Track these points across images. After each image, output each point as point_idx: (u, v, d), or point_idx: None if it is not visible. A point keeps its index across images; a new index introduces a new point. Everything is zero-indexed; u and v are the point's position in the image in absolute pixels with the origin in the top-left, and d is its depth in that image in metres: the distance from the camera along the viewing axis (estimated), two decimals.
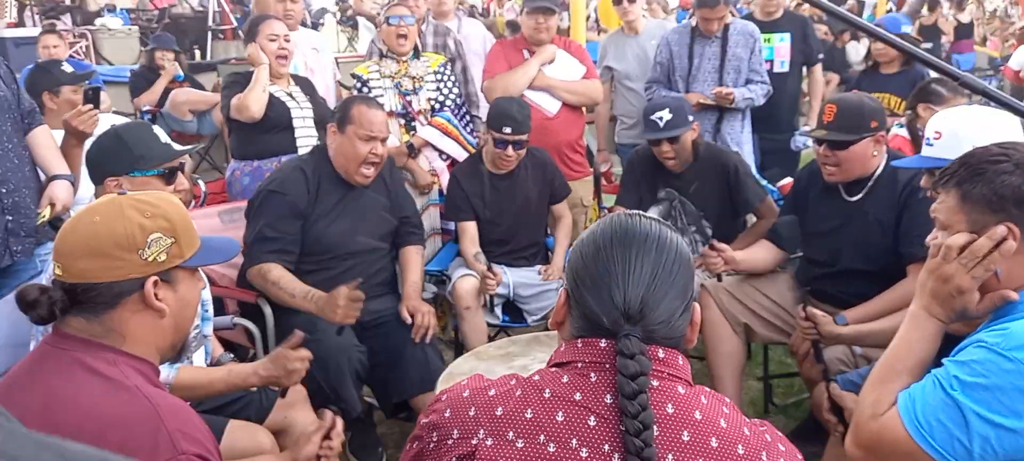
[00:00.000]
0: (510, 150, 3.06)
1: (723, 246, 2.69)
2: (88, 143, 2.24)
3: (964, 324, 1.40)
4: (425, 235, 3.45)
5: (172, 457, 1.13)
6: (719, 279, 2.82)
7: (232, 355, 2.43)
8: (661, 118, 2.95)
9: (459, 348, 3.08)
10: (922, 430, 1.26)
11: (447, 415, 1.08)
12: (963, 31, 11.19)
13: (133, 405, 1.18)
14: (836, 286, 2.61)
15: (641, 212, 1.16)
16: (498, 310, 3.12)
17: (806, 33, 4.26)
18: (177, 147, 2.16)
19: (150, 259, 1.28)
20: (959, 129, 2.05)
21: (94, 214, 1.29)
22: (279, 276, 2.55)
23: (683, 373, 1.07)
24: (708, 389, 1.08)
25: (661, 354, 1.05)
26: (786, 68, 4.18)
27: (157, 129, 2.18)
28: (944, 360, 1.32)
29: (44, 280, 1.82)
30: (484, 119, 3.30)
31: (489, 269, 2.98)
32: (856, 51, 7.83)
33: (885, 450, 1.32)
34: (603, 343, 1.05)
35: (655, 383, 1.03)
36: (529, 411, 1.04)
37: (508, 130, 3.03)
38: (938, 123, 2.14)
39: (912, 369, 1.38)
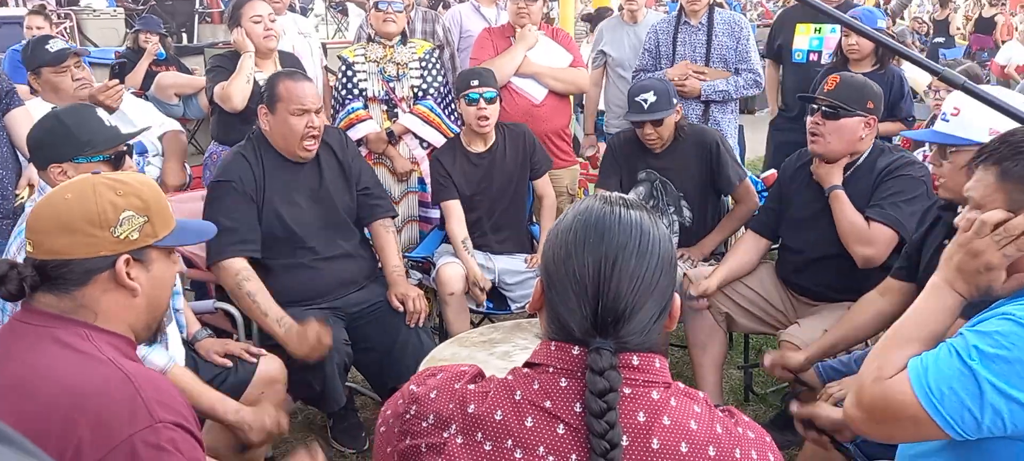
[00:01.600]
0: (483, 103, 3.06)
1: (702, 287, 2.71)
2: (28, 126, 2.16)
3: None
4: (402, 222, 3.45)
5: (149, 425, 1.13)
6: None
7: (210, 331, 2.42)
8: (646, 100, 2.95)
9: (443, 334, 3.09)
10: (932, 397, 1.22)
11: (433, 396, 1.06)
12: (982, 25, 11.30)
13: (108, 376, 1.18)
14: (811, 275, 2.64)
15: (623, 199, 1.06)
16: (484, 300, 3.12)
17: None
18: (123, 131, 2.10)
19: (122, 237, 1.28)
20: (980, 108, 2.04)
21: (66, 191, 1.29)
22: (255, 290, 2.47)
23: (659, 376, 1.02)
24: (681, 387, 1.04)
25: (635, 361, 1.01)
26: (832, 61, 3.95)
27: (101, 112, 2.11)
28: (963, 329, 1.29)
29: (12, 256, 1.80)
30: None
31: (479, 281, 3.01)
32: None
33: (888, 414, 1.28)
34: (576, 350, 1.01)
35: (627, 391, 0.99)
36: (499, 413, 1.01)
37: (475, 82, 3.05)
38: (958, 99, 2.09)
39: (924, 338, 1.34)
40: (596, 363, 0.97)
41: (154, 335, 1.41)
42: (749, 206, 3.10)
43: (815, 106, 2.52)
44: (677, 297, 1.07)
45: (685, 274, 2.83)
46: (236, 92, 3.17)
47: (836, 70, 3.67)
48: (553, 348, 1.03)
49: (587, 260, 0.99)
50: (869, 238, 2.42)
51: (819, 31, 4.02)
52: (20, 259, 1.38)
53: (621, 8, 4.46)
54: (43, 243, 1.25)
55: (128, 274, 1.28)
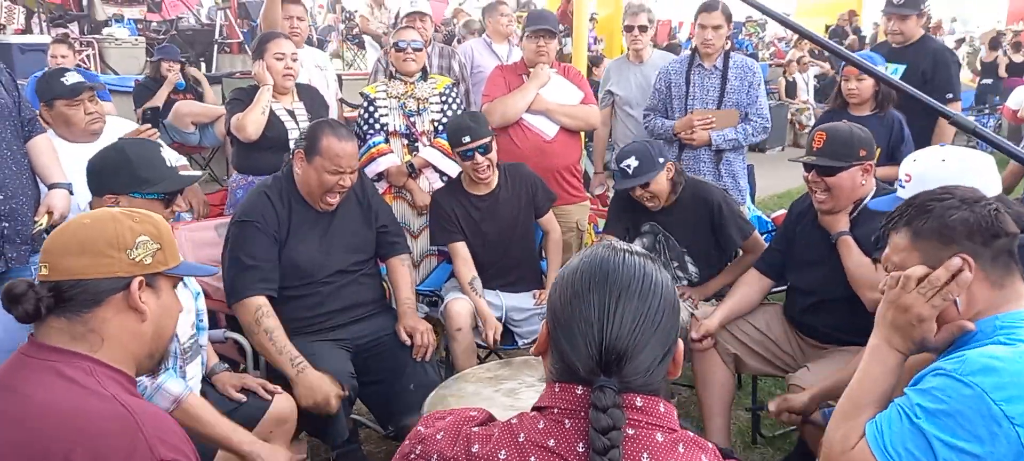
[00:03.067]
0: (478, 157, 3.05)
1: (703, 329, 2.72)
2: (92, 150, 2.23)
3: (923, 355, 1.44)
4: (421, 256, 3.48)
5: None
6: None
7: (226, 366, 2.44)
8: (629, 166, 2.94)
9: (449, 368, 3.09)
10: (892, 459, 1.29)
11: (438, 438, 1.08)
12: (1015, 69, 11.40)
13: (109, 412, 1.19)
14: (820, 318, 2.63)
15: (627, 247, 1.10)
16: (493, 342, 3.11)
17: (935, 68, 3.93)
18: (182, 174, 2.16)
19: (137, 259, 1.32)
20: (928, 172, 2.09)
21: (84, 218, 1.36)
22: (272, 327, 2.49)
23: (664, 420, 1.03)
24: (690, 435, 1.04)
25: (639, 402, 1.02)
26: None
27: (165, 150, 2.17)
28: (907, 389, 1.36)
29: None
30: None
31: (494, 334, 3.00)
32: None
33: None
34: (579, 390, 1.02)
35: (631, 432, 1.00)
36: (503, 453, 1.02)
37: (467, 139, 3.03)
38: (908, 166, 2.19)
39: (876, 401, 1.41)
40: (599, 401, 0.98)
41: (156, 367, 1.43)
42: (757, 257, 3.08)
43: (808, 168, 2.54)
44: (681, 343, 1.09)
45: (692, 315, 2.82)
46: (251, 123, 3.22)
47: (834, 115, 3.69)
48: (557, 389, 1.05)
49: (592, 299, 1.02)
50: (878, 282, 2.41)
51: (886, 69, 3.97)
52: None
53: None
54: (58, 264, 1.29)
55: (140, 297, 1.32)
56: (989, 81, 11.56)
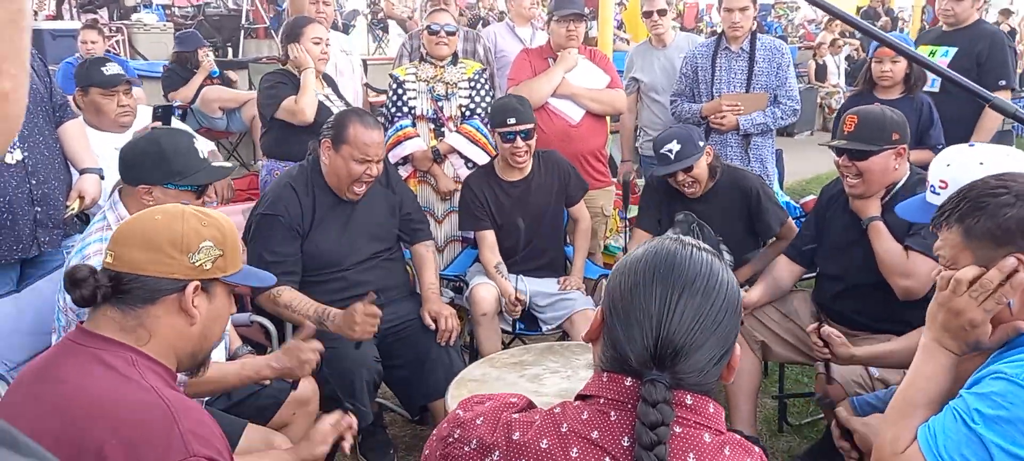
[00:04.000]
0: (519, 141, 3.05)
1: (744, 300, 2.67)
2: (120, 140, 2.27)
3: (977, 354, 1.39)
4: (445, 241, 3.48)
5: (184, 457, 1.16)
6: None
7: (250, 348, 2.46)
8: (671, 150, 2.91)
9: (474, 354, 3.09)
10: None
11: (478, 422, 1.06)
12: None
13: (148, 403, 1.21)
14: (850, 304, 2.59)
15: (695, 242, 1.07)
16: (517, 319, 3.12)
17: (989, 52, 3.77)
18: (215, 165, 2.18)
19: (197, 264, 1.34)
20: (966, 179, 1.98)
21: (157, 212, 1.37)
22: (290, 299, 2.51)
23: (713, 422, 1.01)
24: (737, 438, 1.02)
25: (689, 400, 1.00)
26: (935, 88, 3.75)
27: (198, 141, 2.19)
28: (962, 392, 1.30)
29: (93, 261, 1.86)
30: None
31: (516, 296, 2.95)
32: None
33: None
34: (628, 382, 1.00)
35: (678, 430, 0.98)
36: (544, 442, 1.01)
37: (512, 121, 3.02)
38: (943, 172, 2.01)
39: (929, 403, 1.36)
40: (650, 394, 0.96)
41: (198, 367, 1.45)
42: (790, 241, 3.05)
43: (839, 152, 2.48)
44: (737, 348, 1.06)
45: None
46: (307, 106, 3.22)
47: (861, 97, 3.61)
48: (605, 379, 1.03)
49: (655, 290, 1.00)
50: (909, 269, 2.37)
51: (933, 54, 3.87)
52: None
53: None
54: (124, 255, 1.31)
55: (193, 301, 1.33)
56: None
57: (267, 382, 2.31)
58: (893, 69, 3.51)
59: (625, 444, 0.97)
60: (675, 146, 2.91)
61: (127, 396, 1.21)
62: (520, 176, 3.19)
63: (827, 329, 2.26)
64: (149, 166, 2.04)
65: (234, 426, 1.92)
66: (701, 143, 2.97)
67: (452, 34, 3.44)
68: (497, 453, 1.02)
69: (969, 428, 1.23)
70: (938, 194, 1.98)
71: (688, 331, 0.98)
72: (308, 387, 2.36)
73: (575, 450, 0.99)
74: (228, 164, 2.52)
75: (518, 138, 3.04)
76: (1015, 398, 1.21)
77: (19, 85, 0.43)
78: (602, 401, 1.01)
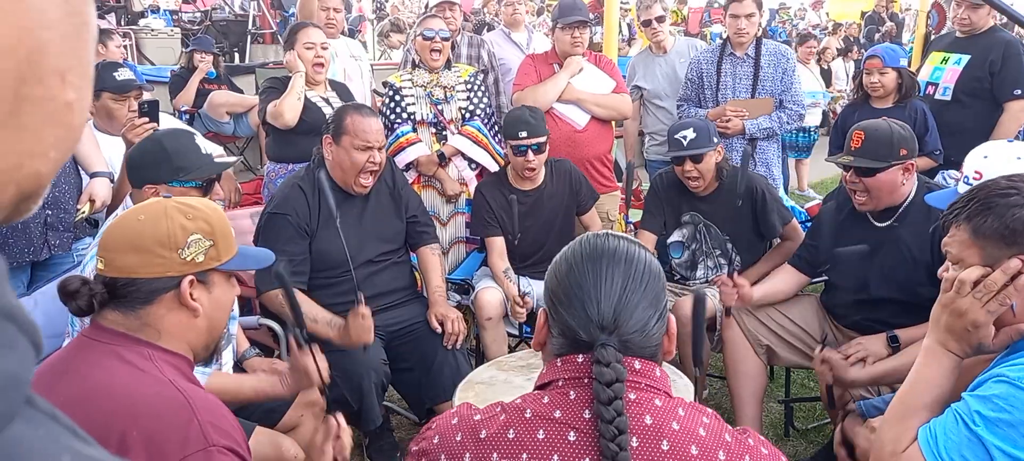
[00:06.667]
0: (531, 155, 3.06)
1: (742, 281, 2.65)
2: (89, 142, 2.27)
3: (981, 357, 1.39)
4: (449, 243, 3.50)
5: (203, 448, 1.17)
6: (728, 313, 2.78)
7: (257, 350, 2.48)
8: (685, 137, 2.95)
9: (480, 357, 3.10)
10: None
11: (436, 442, 1.12)
12: None
13: (166, 396, 1.22)
14: (863, 314, 2.58)
15: (610, 232, 1.20)
16: (522, 322, 3.13)
17: (1003, 61, 3.68)
18: (217, 160, 2.21)
19: (189, 259, 1.34)
20: (1002, 172, 2.00)
21: (139, 213, 1.36)
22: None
23: (661, 385, 1.10)
24: (687, 401, 1.10)
25: (637, 365, 1.08)
26: (947, 97, 3.75)
27: (199, 139, 2.22)
28: (964, 394, 1.31)
29: (86, 273, 1.88)
30: None
31: (521, 297, 2.95)
32: None
33: None
34: (581, 358, 1.09)
35: (632, 395, 1.06)
36: (511, 432, 1.07)
37: (524, 134, 3.04)
38: (979, 163, 2.06)
39: (930, 404, 1.37)
40: (603, 357, 1.05)
41: (211, 356, 1.46)
42: (796, 243, 3.05)
43: (847, 168, 2.47)
44: (672, 317, 1.17)
45: (727, 308, 2.80)
46: (288, 109, 3.27)
47: (857, 108, 3.63)
48: (560, 363, 1.11)
49: (586, 269, 1.12)
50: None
51: (944, 62, 3.83)
52: (88, 274, 1.44)
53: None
54: (114, 261, 1.31)
55: (191, 295, 1.33)
56: None
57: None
58: (882, 80, 3.57)
59: (586, 416, 1.05)
60: (690, 133, 2.94)
61: (145, 389, 1.22)
62: (532, 186, 3.20)
63: (829, 353, 2.26)
64: (153, 166, 2.08)
65: (243, 428, 1.93)
66: (715, 139, 3.00)
67: (446, 40, 3.45)
68: (467, 456, 1.08)
69: (970, 430, 1.24)
70: (970, 185, 2.00)
71: (621, 293, 1.09)
72: (313, 367, 2.37)
73: (541, 432, 1.06)
74: (231, 158, 2.54)
75: (529, 151, 3.06)
76: (1016, 401, 1.22)
77: (83, 96, 0.43)
78: (560, 383, 1.09)
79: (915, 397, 1.39)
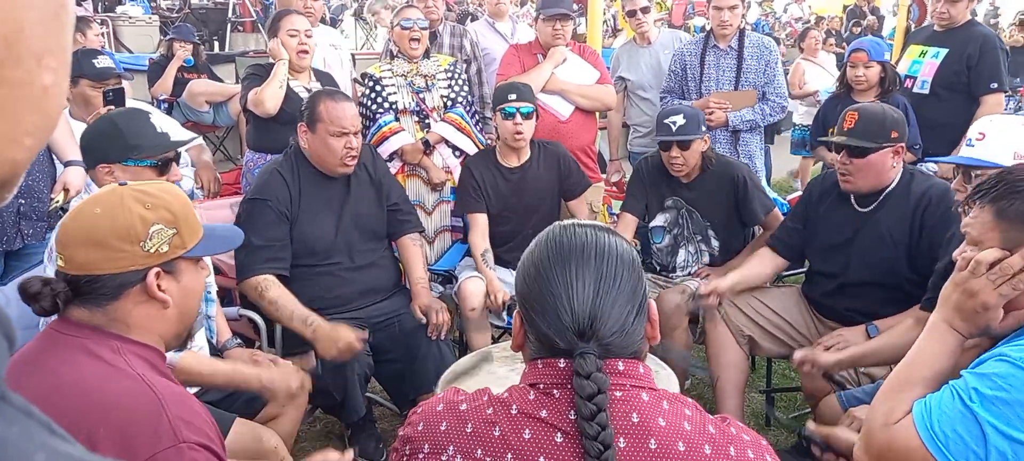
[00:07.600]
0: (519, 118, 3.06)
1: (712, 285, 2.68)
2: (64, 130, 2.22)
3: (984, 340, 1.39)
4: (435, 232, 3.48)
5: (173, 445, 1.14)
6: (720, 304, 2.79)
7: (239, 340, 2.45)
8: (675, 122, 2.96)
9: (464, 348, 3.09)
10: (937, 441, 1.24)
11: (420, 428, 1.10)
12: None
13: (136, 392, 1.19)
14: (843, 301, 2.60)
15: (576, 222, 1.14)
16: (504, 313, 3.12)
17: (981, 55, 3.72)
18: (172, 138, 2.14)
19: (152, 250, 1.28)
20: (1004, 133, 2.04)
21: (95, 205, 1.29)
22: (277, 296, 2.50)
23: (646, 381, 1.06)
24: (670, 393, 1.08)
25: (621, 366, 1.05)
26: (925, 90, 3.80)
27: (154, 118, 2.16)
28: (963, 372, 1.30)
29: (49, 271, 1.83)
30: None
31: (500, 296, 2.95)
32: None
33: (897, 459, 1.30)
34: (562, 363, 1.04)
35: (618, 394, 1.03)
36: (497, 429, 1.04)
37: (513, 96, 3.05)
38: (983, 125, 2.11)
39: (928, 380, 1.36)
40: (582, 367, 1.00)
41: (184, 342, 1.43)
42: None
43: (838, 146, 2.49)
44: (653, 304, 1.12)
45: (699, 282, 2.81)
46: (269, 97, 3.23)
47: (840, 100, 3.66)
48: (541, 365, 1.07)
49: (555, 272, 1.07)
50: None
51: (922, 55, 3.86)
52: (51, 271, 1.40)
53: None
54: (74, 258, 1.26)
55: (159, 286, 1.29)
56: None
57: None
58: (866, 73, 3.60)
59: (572, 417, 1.02)
60: (680, 120, 2.95)
61: (114, 385, 1.19)
62: (518, 162, 3.19)
63: (802, 357, 2.28)
64: (106, 145, 2.02)
65: (223, 420, 1.90)
66: (704, 128, 3.01)
67: (425, 28, 3.43)
68: (452, 447, 1.06)
69: (966, 406, 1.23)
70: (973, 146, 2.03)
71: (595, 294, 1.04)
72: (297, 380, 2.35)
73: (528, 432, 1.03)
74: (189, 135, 2.48)
75: (518, 114, 3.05)
76: (1016, 380, 1.21)
77: (60, 80, 0.42)
78: (541, 386, 1.06)
79: (913, 371, 1.38)
